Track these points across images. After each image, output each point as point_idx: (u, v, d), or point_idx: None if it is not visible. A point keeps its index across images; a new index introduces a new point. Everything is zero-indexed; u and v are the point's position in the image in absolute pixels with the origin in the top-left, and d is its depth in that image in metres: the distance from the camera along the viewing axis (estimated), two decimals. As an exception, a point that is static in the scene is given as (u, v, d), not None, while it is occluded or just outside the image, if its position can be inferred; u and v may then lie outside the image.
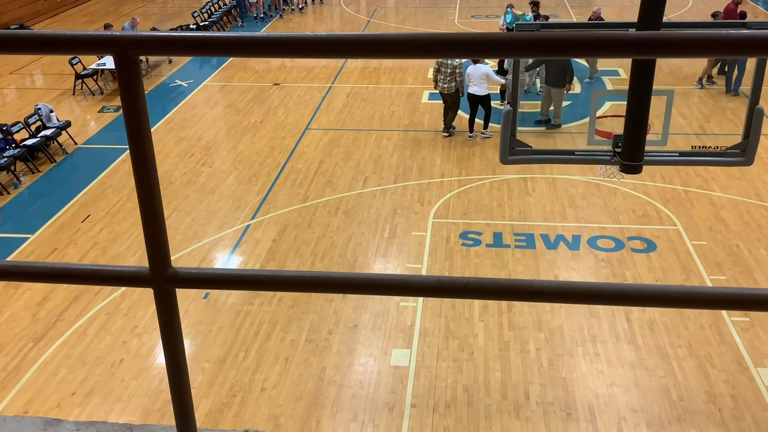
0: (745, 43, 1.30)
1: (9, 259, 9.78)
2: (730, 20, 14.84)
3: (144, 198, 1.48)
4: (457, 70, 12.74)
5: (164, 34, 1.38)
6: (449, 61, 12.71)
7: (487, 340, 8.00)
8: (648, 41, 1.30)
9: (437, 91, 13.32)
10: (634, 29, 5.55)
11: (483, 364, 7.67)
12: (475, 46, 1.34)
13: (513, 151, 6.18)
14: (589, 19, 15.52)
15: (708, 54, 1.32)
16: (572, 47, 1.32)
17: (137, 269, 1.57)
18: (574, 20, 19.98)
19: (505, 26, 15.86)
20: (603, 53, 1.31)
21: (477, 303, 8.54)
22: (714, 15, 15.18)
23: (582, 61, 15.92)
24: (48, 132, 12.95)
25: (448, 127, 13.27)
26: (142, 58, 17.46)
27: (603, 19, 15.11)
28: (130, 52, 1.38)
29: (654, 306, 1.54)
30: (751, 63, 13.80)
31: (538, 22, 13.34)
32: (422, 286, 1.55)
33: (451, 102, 13.15)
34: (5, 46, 1.44)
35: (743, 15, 15.52)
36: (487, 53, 1.34)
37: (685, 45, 1.29)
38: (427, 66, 17.07)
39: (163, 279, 1.53)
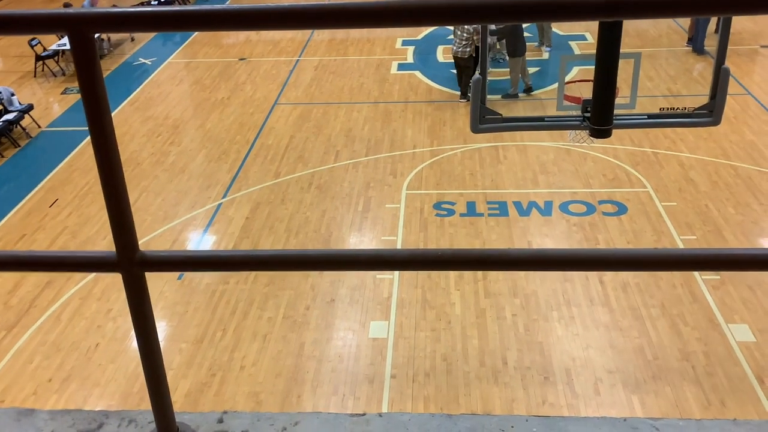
0: (709, 3, 1.29)
1: (-24, 247, 9.60)
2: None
3: (107, 180, 1.44)
4: (475, 36, 12.66)
5: (119, 10, 1.33)
6: (466, 26, 12.69)
7: (463, 308, 8.06)
8: (614, 3, 1.29)
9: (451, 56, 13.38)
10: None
11: (460, 332, 7.73)
12: (443, 13, 1.31)
13: (483, 120, 6.17)
14: None
15: (674, 14, 1.31)
16: (542, 11, 1.30)
17: (104, 254, 1.53)
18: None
19: None
20: (573, 16, 1.29)
21: (453, 273, 8.59)
22: None
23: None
24: (10, 116, 12.65)
25: (466, 94, 13.34)
26: (103, 36, 17.12)
27: None
28: (85, 30, 1.33)
29: (626, 270, 1.55)
30: (713, 25, 13.89)
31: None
32: (396, 260, 1.53)
33: (464, 66, 13.12)
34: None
35: None
36: (455, 20, 1.32)
37: (651, 6, 1.27)
38: (396, 36, 16.93)
39: (131, 263, 1.50)
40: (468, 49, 12.86)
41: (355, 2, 1.28)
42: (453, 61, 13.65)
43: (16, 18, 1.35)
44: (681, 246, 8.91)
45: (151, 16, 1.33)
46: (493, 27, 13.19)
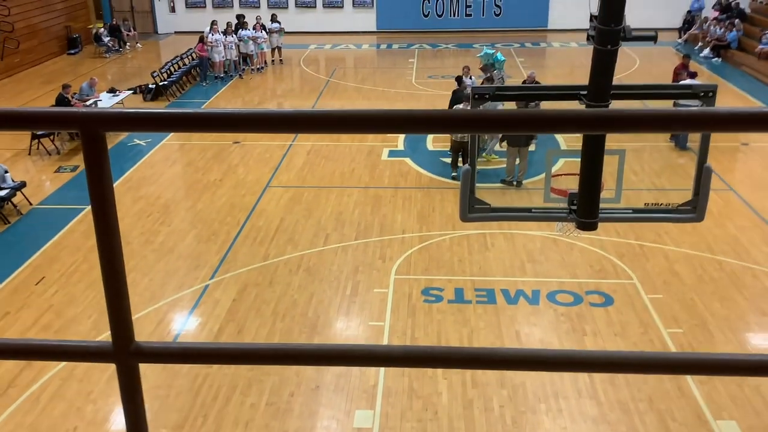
0: (694, 120, 1.37)
1: (-43, 324, 9.45)
2: (675, 82, 15.48)
3: (108, 273, 1.47)
4: None
5: (130, 110, 1.40)
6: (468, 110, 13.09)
7: (450, 398, 7.95)
8: (603, 118, 1.37)
9: (456, 138, 13.76)
10: (585, 92, 5.76)
11: (447, 424, 7.60)
12: (441, 123, 1.39)
13: (472, 209, 6.28)
14: (523, 82, 16.40)
15: (659, 130, 1.39)
16: (534, 124, 1.38)
17: (100, 344, 1.55)
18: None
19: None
20: (561, 129, 1.37)
21: (440, 361, 8.50)
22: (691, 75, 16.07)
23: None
24: (2, 193, 12.71)
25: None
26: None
27: (538, 82, 15.74)
28: (96, 129, 1.40)
29: (615, 372, 1.57)
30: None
31: (493, 85, 13.70)
32: (390, 357, 1.56)
33: (464, 150, 13.49)
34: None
35: (693, 75, 16.19)
36: (453, 129, 1.39)
37: (637, 122, 1.35)
38: (386, 124, 17.30)
39: (126, 354, 1.51)
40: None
41: (343, 110, 1.35)
42: (448, 149, 14.00)
43: (32, 115, 1.42)
44: (668, 339, 8.90)
45: (159, 118, 1.40)
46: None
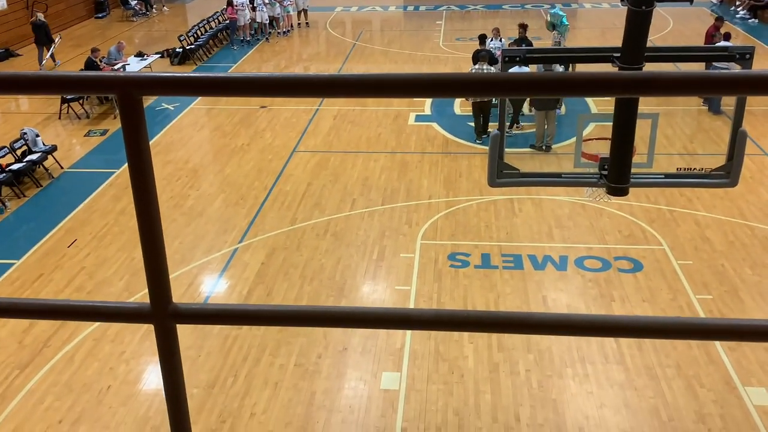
0: (733, 83, 1.34)
1: (-6, 285, 9.70)
2: (709, 45, 15.10)
3: (146, 237, 1.50)
4: None
5: (168, 74, 1.40)
6: (485, 69, 13.04)
7: (476, 362, 8.01)
8: (640, 81, 1.34)
9: (469, 101, 13.96)
10: (618, 54, 5.64)
11: (473, 386, 7.67)
12: (472, 87, 1.37)
13: (501, 174, 6.23)
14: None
15: (697, 93, 1.36)
16: (570, 87, 1.36)
17: (139, 306, 1.58)
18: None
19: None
20: (597, 93, 1.35)
21: (466, 325, 8.54)
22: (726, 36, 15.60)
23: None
24: (34, 156, 12.89)
25: (483, 133, 13.78)
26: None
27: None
28: (134, 93, 1.40)
29: (648, 337, 1.57)
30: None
31: (524, 47, 13.44)
32: (422, 320, 1.57)
33: (488, 109, 13.67)
34: (9, 88, 1.46)
35: (728, 36, 15.75)
36: (483, 93, 1.37)
37: (675, 84, 1.33)
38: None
39: (164, 315, 1.54)
40: None
41: (372, 74, 1.34)
42: (471, 112, 13.90)
43: (69, 80, 1.42)
44: (697, 305, 8.84)
45: (196, 82, 1.40)
46: None
